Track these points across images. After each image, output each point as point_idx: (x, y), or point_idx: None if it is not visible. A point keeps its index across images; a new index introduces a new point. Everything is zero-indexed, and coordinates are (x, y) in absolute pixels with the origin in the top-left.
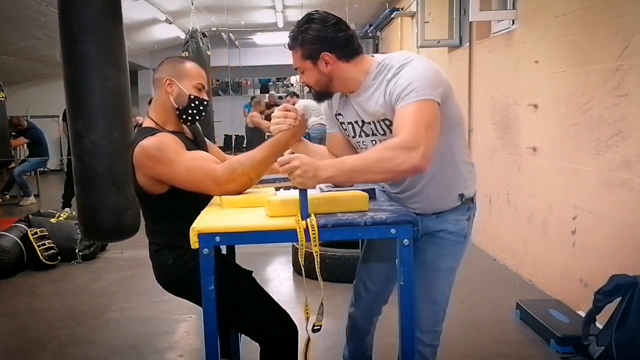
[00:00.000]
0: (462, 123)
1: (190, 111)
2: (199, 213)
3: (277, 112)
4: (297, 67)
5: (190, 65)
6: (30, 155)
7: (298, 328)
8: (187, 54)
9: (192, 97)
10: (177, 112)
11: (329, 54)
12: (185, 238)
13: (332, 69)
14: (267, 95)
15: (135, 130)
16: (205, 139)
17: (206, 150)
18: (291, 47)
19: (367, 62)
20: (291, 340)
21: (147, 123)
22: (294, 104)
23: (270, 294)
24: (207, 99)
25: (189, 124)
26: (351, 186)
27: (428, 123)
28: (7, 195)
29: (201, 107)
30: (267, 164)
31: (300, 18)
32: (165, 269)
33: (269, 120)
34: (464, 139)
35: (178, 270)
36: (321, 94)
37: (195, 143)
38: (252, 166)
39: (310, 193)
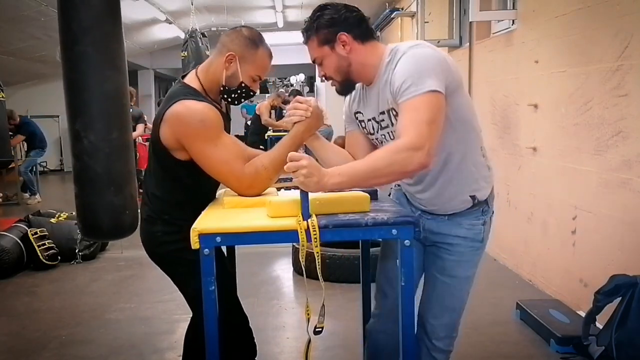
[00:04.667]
0: (473, 121)
1: (233, 95)
2: (205, 195)
3: (289, 106)
4: (315, 59)
5: (261, 54)
6: (29, 150)
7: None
8: (185, 53)
9: (243, 85)
10: (221, 88)
11: (345, 33)
12: (181, 215)
13: (350, 50)
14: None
15: (177, 83)
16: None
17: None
18: (307, 38)
19: (381, 48)
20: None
21: (194, 82)
22: None
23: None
24: (255, 91)
25: (223, 101)
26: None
27: (430, 119)
28: (32, 195)
29: (244, 96)
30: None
31: (304, 16)
32: (154, 240)
33: (275, 117)
34: (478, 139)
35: (166, 245)
36: (343, 85)
37: (226, 120)
38: (274, 168)
39: (312, 194)
